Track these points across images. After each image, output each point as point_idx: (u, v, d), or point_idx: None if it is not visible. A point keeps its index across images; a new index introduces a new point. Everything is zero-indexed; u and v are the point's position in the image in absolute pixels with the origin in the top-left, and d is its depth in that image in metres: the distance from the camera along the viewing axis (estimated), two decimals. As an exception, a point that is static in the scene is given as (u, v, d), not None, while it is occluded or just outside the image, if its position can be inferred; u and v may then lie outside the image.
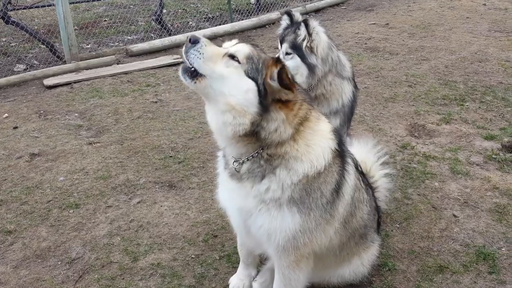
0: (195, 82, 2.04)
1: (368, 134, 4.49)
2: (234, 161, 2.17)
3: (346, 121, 3.70)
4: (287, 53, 3.37)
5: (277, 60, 2.07)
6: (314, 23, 3.35)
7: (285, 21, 3.56)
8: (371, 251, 2.76)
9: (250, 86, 2.00)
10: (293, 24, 3.47)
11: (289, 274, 2.31)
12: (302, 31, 3.30)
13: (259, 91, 2.00)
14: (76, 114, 5.24)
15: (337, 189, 2.26)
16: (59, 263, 3.09)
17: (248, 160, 2.13)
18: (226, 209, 2.47)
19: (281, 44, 3.43)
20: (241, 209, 2.25)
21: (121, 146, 4.45)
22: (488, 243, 3.16)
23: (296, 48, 3.33)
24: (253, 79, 2.01)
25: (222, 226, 3.36)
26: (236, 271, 2.90)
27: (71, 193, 3.80)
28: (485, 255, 3.05)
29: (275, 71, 2.01)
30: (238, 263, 2.92)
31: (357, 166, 2.59)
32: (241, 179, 2.20)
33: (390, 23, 8.16)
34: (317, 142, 2.16)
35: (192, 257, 3.09)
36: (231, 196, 2.30)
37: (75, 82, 6.10)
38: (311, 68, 3.33)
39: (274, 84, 2.01)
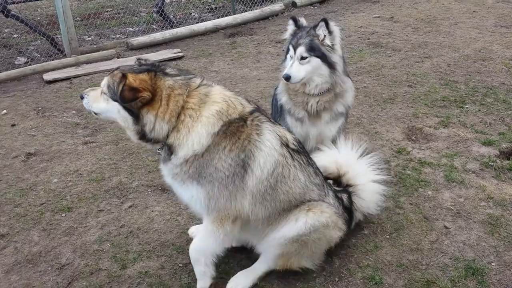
0: (98, 116, 2.75)
1: (364, 138, 4.45)
2: (159, 148, 2.69)
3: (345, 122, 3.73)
4: (302, 58, 3.35)
5: (122, 76, 2.46)
6: (332, 21, 3.39)
7: (290, 27, 3.58)
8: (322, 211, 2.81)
9: (117, 107, 2.52)
10: (300, 28, 3.50)
11: (211, 229, 2.65)
12: (322, 31, 3.34)
13: (124, 107, 2.49)
14: (74, 112, 5.25)
15: (242, 165, 2.55)
16: (49, 268, 3.13)
17: (162, 149, 2.66)
18: None
19: (295, 49, 3.38)
20: (170, 185, 2.79)
21: (116, 146, 4.46)
22: (478, 257, 3.13)
23: (313, 49, 3.34)
24: (115, 100, 2.51)
25: (211, 233, 3.36)
26: (222, 282, 2.91)
27: (64, 196, 3.82)
28: (474, 270, 3.02)
29: (119, 89, 2.43)
30: (226, 273, 2.95)
31: (287, 144, 2.72)
32: (163, 161, 2.72)
33: (395, 16, 8.02)
34: (195, 130, 2.52)
35: (180, 266, 3.11)
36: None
37: (74, 77, 6.10)
38: (332, 66, 3.37)
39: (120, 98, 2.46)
